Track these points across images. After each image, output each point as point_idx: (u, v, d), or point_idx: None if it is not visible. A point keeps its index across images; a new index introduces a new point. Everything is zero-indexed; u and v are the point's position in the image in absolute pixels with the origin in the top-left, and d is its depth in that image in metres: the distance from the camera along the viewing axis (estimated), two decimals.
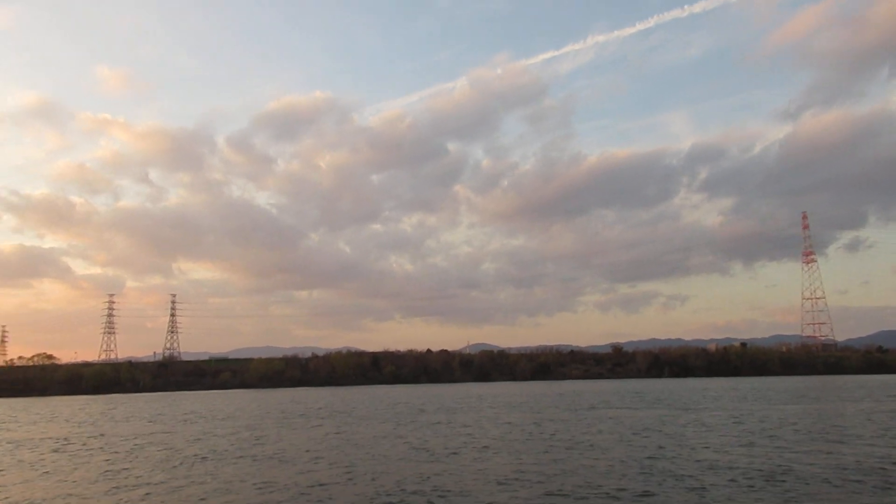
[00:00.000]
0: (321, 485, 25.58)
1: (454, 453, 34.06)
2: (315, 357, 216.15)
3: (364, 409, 76.10)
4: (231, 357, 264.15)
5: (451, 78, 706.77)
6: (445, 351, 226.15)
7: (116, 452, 39.07)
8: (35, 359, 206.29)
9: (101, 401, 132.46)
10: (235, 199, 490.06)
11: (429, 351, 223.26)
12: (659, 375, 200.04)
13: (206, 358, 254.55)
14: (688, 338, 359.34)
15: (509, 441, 39.10)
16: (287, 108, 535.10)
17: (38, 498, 24.62)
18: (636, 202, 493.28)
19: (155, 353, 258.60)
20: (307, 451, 36.87)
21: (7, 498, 24.81)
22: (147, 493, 24.83)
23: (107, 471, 31.29)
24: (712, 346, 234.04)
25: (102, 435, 51.41)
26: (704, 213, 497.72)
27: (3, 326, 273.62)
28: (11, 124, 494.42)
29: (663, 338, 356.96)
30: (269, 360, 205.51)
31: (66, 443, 45.91)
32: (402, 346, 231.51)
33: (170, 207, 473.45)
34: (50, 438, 49.69)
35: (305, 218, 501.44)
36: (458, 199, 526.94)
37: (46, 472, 31.36)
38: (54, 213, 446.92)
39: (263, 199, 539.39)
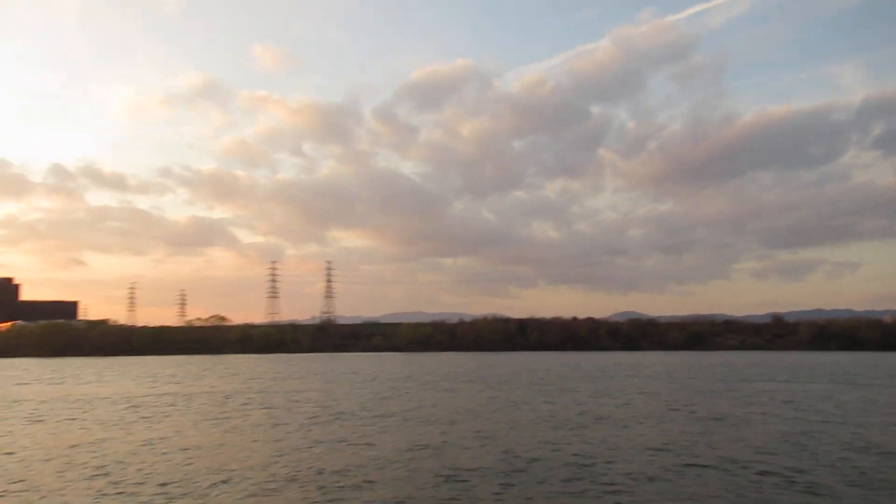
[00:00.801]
0: (462, 446, 26.11)
1: (599, 420, 33.56)
2: (462, 323, 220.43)
3: (509, 374, 76.77)
4: (383, 321, 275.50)
5: (593, 38, 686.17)
6: (592, 319, 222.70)
7: (273, 407, 42.07)
8: (210, 320, 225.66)
9: (267, 359, 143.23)
10: (382, 169, 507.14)
11: (574, 318, 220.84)
12: (824, 348, 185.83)
13: (360, 322, 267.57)
14: (858, 308, 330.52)
15: (656, 411, 37.93)
16: (429, 77, 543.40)
17: (209, 444, 27.03)
18: (797, 162, 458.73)
19: (314, 316, 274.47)
20: (451, 412, 37.78)
21: (186, 437, 27.49)
22: (281, 444, 26.50)
23: (263, 424, 33.74)
24: (888, 318, 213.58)
25: (266, 391, 55.52)
26: (878, 172, 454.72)
27: (183, 290, 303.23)
28: (182, 105, 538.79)
29: (829, 308, 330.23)
30: (418, 325, 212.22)
31: (230, 397, 50.08)
32: (548, 314, 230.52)
33: (322, 179, 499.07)
34: (219, 392, 54.45)
35: (449, 186, 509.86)
36: (603, 164, 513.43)
37: (215, 420, 34.39)
38: (221, 187, 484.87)
39: (408, 168, 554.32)
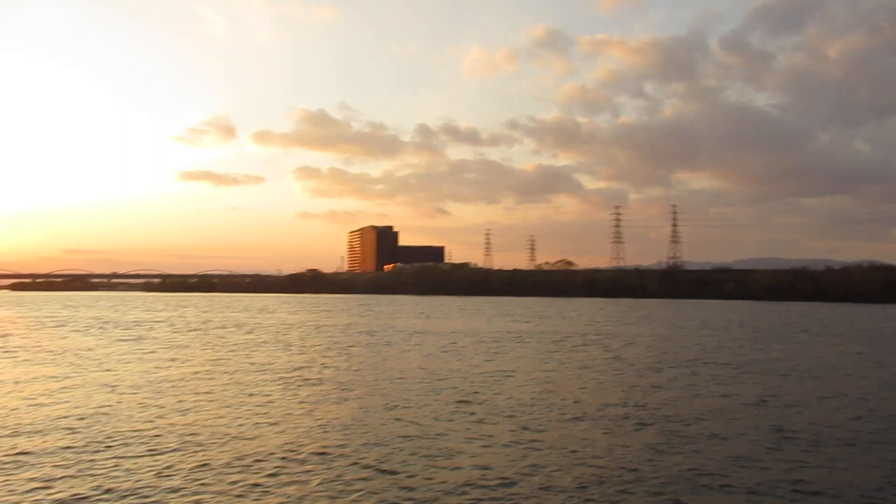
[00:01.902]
0: (818, 407, 23.10)
1: None
2: (829, 270, 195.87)
3: (893, 331, 66.31)
4: (734, 268, 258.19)
5: None
6: None
7: (614, 350, 42.12)
8: (557, 264, 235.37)
9: (613, 303, 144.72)
10: (732, 104, 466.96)
11: None
12: None
13: (708, 268, 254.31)
14: None
15: None
16: None
17: (559, 380, 28.08)
18: None
19: (659, 261, 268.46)
20: (810, 367, 33.75)
21: (536, 372, 29.04)
22: (585, 392, 26.03)
23: (607, 366, 33.91)
24: None
25: (611, 335, 56.01)
26: None
27: (532, 236, 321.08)
28: (526, 57, 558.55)
29: None
30: (776, 273, 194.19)
31: (577, 337, 51.48)
32: None
33: (665, 119, 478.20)
34: (568, 333, 56.41)
35: (812, 117, 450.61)
36: None
37: (563, 359, 35.69)
38: (564, 134, 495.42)
39: (763, 100, 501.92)
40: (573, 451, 15.85)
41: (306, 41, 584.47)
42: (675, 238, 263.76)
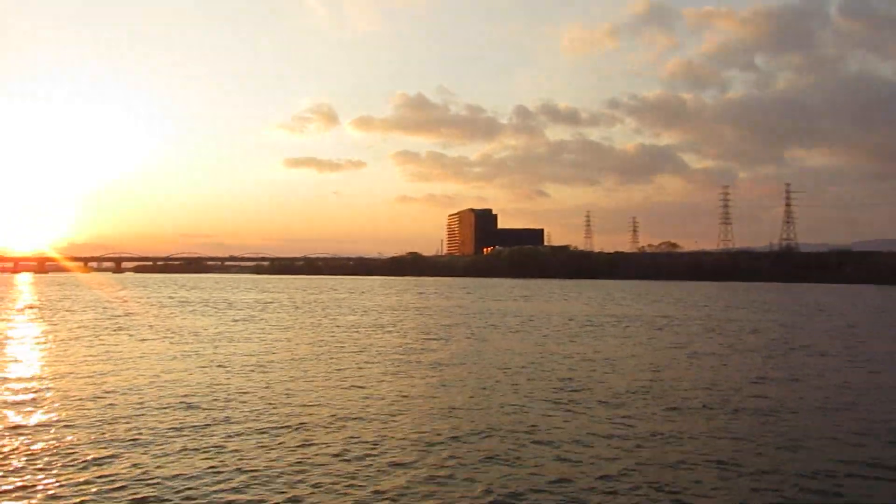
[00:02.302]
0: None
1: None
2: None
3: None
4: (854, 250, 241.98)
5: None
6: None
7: (729, 335, 40.16)
8: (661, 246, 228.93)
9: (721, 287, 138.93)
10: (853, 75, 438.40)
11: None
12: None
13: (825, 250, 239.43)
14: None
15: None
16: None
17: (665, 364, 27.00)
18: None
19: (771, 243, 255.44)
20: None
21: (643, 356, 28.06)
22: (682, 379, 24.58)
23: (720, 352, 32.32)
24: None
25: (706, 319, 53.67)
26: None
27: (634, 218, 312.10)
28: (627, 33, 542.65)
29: None
30: None
31: (685, 323, 49.62)
32: None
33: (778, 93, 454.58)
34: (675, 316, 54.51)
35: None
36: None
37: (671, 343, 34.34)
38: (668, 112, 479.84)
39: (889, 69, 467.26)
40: (692, 440, 15.05)
41: (404, 27, 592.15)
42: (788, 218, 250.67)
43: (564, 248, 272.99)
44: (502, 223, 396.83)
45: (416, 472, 12.80)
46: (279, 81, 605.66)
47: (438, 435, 15.54)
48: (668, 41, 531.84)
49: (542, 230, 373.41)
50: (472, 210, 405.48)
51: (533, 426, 16.46)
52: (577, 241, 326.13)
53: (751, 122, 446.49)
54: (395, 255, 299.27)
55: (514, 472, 12.86)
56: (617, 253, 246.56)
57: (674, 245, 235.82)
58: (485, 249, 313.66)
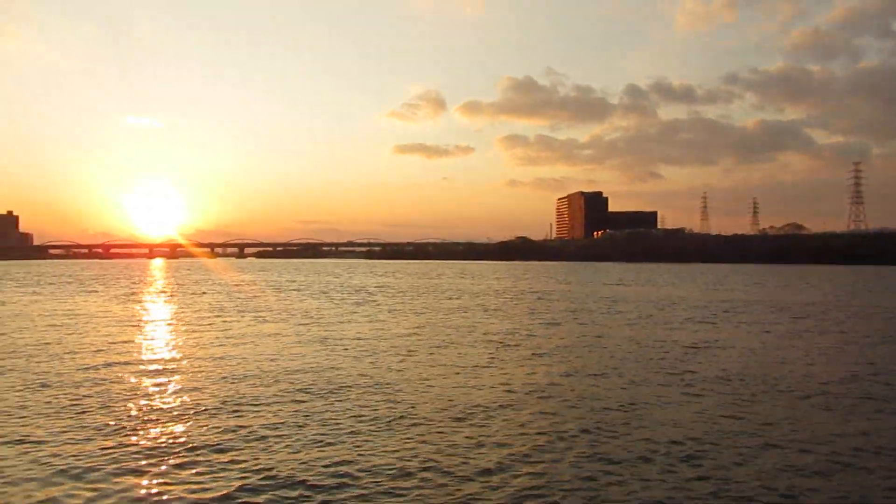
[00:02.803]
0: None
1: None
2: None
3: None
4: None
5: None
6: None
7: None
8: (785, 228, 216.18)
9: (852, 271, 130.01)
10: None
11: None
12: None
13: None
14: None
15: None
16: None
17: (758, 349, 25.70)
18: None
19: None
20: None
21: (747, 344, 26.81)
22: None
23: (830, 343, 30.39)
24: None
25: (835, 307, 50.37)
26: None
27: (754, 198, 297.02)
28: (746, 4, 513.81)
29: None
30: None
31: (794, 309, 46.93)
32: None
33: None
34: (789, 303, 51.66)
35: None
36: None
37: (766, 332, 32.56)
38: (792, 85, 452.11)
39: None
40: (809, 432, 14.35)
41: (509, 10, 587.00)
42: None
43: (679, 231, 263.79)
44: (613, 206, 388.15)
45: (510, 449, 12.80)
46: (388, 70, 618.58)
47: (532, 416, 15.46)
48: (792, 9, 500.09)
49: (655, 213, 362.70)
50: (582, 193, 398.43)
51: (635, 410, 16.17)
52: (692, 223, 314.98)
53: (887, 93, 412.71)
54: (503, 239, 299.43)
55: (615, 455, 12.72)
56: (736, 236, 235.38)
57: (799, 227, 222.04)
58: (595, 233, 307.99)
